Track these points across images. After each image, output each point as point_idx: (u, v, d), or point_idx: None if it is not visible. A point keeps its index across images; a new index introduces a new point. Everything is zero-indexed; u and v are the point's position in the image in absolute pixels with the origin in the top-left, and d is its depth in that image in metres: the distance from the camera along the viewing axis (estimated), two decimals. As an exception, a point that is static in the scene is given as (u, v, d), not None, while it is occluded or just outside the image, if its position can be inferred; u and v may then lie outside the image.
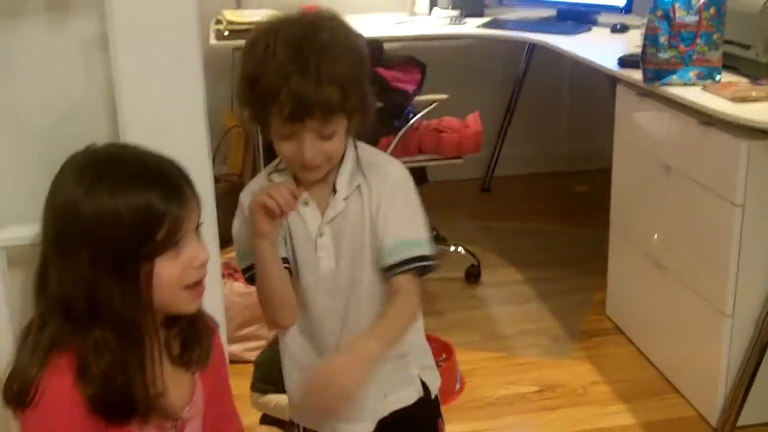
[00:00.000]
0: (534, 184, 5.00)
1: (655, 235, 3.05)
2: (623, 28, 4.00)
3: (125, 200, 1.36)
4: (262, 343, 3.08)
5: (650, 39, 2.85)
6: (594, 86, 4.34)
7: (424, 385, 1.81)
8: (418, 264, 1.65)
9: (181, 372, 1.56)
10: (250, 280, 1.72)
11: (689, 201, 2.82)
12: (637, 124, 3.14)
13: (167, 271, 1.41)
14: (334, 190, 1.66)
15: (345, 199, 1.66)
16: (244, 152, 4.43)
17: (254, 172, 4.38)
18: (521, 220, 4.52)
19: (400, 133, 3.52)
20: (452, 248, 3.89)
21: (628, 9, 4.12)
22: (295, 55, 1.51)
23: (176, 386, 1.54)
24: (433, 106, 3.57)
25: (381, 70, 3.50)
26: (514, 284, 3.84)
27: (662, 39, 2.82)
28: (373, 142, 3.55)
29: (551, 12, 4.41)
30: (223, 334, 1.86)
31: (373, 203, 1.66)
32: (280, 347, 1.81)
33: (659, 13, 2.81)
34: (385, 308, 1.65)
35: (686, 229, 2.87)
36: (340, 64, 1.54)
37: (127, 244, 1.36)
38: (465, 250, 3.90)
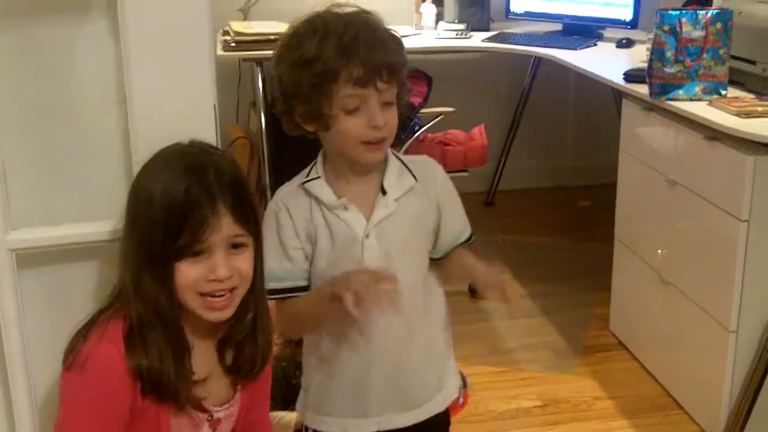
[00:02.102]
0: (538, 198, 4.99)
1: (659, 251, 3.04)
2: (629, 43, 4.01)
3: (164, 185, 1.41)
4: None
5: (657, 53, 2.85)
6: (599, 101, 4.35)
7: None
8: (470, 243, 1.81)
9: (226, 376, 1.61)
10: (276, 299, 1.69)
11: (694, 216, 2.82)
12: (643, 139, 3.14)
13: (184, 274, 1.44)
14: (383, 192, 1.69)
15: (396, 200, 1.70)
16: (249, 163, 4.43)
17: (259, 183, 4.39)
18: (525, 234, 4.52)
19: (406, 145, 3.53)
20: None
21: (633, 24, 4.12)
22: (349, 29, 1.58)
23: (218, 386, 1.60)
24: (439, 118, 3.59)
25: (387, 82, 3.51)
26: (517, 298, 3.83)
27: (669, 53, 2.83)
28: (379, 154, 3.59)
29: (557, 26, 4.42)
30: None
31: (432, 203, 1.75)
32: (307, 349, 1.80)
33: (666, 27, 2.81)
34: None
35: (691, 245, 2.86)
36: (391, 37, 1.63)
37: (155, 231, 1.41)
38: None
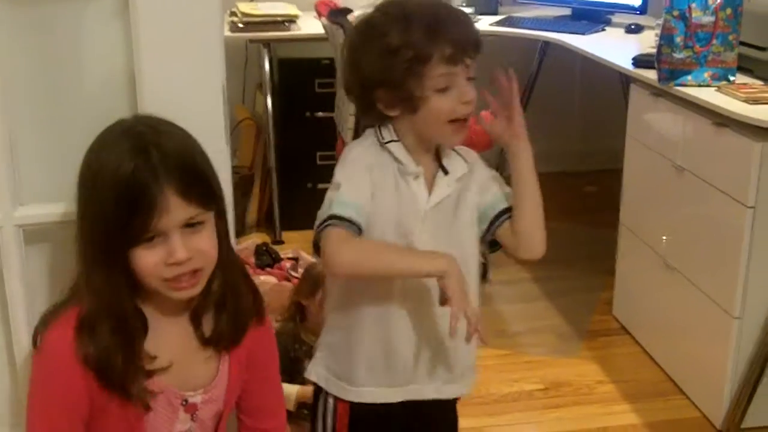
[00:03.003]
0: (544, 183, 4.94)
1: (664, 236, 3.04)
2: (638, 29, 3.99)
3: (115, 161, 1.36)
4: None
5: (666, 39, 2.84)
6: (606, 86, 4.33)
7: None
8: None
9: (208, 354, 1.56)
10: (339, 223, 1.62)
11: (700, 202, 2.82)
12: (650, 124, 3.13)
13: (143, 261, 1.39)
14: (444, 171, 1.72)
15: (457, 180, 1.73)
16: (254, 145, 4.44)
17: (264, 164, 4.39)
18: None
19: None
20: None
21: (642, 9, 4.10)
22: (429, 11, 1.62)
23: (195, 366, 1.55)
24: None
25: (394, 65, 3.50)
26: (521, 282, 3.84)
27: (678, 39, 2.82)
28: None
29: (566, 11, 4.41)
30: None
31: (477, 186, 1.76)
32: (348, 329, 1.77)
33: (676, 13, 2.81)
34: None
35: (696, 230, 2.86)
36: (465, 13, 1.70)
37: (108, 216, 1.36)
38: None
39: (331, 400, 1.82)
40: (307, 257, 3.56)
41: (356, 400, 1.79)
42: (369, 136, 1.73)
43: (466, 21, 1.67)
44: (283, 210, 4.31)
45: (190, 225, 1.41)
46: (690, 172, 2.86)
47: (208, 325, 1.54)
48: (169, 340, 1.50)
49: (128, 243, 1.38)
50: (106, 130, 1.43)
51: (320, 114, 4.24)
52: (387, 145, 1.69)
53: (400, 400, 1.78)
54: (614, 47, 3.65)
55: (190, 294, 1.47)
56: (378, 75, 1.63)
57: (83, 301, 1.42)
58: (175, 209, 1.38)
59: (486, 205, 1.77)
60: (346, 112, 3.54)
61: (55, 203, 1.51)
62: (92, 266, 1.41)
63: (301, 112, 4.28)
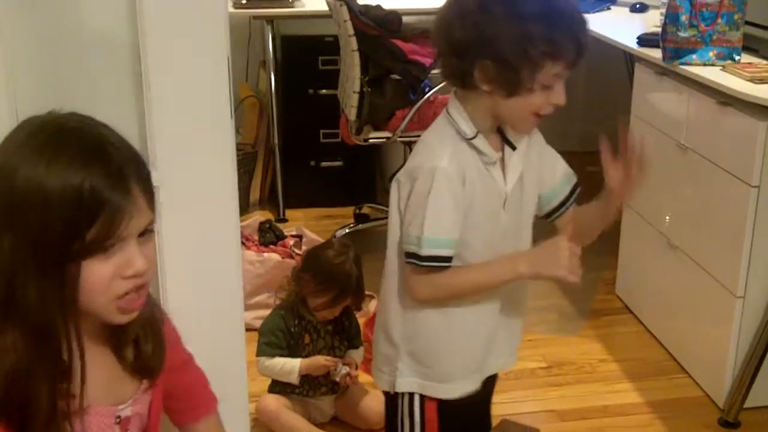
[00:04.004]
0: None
1: (668, 216, 3.04)
2: (642, 8, 3.98)
3: (60, 177, 1.15)
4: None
5: (671, 17, 2.83)
6: (610, 66, 4.31)
7: None
8: (575, 195, 1.85)
9: (127, 377, 1.40)
10: (430, 266, 1.67)
11: (705, 181, 2.81)
12: (655, 103, 3.13)
13: (95, 275, 1.20)
14: (512, 147, 1.73)
15: (524, 154, 1.75)
16: (258, 122, 4.43)
17: (268, 142, 4.39)
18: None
19: (416, 106, 3.51)
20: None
21: (648, -12, 4.09)
22: (574, 12, 1.63)
23: (116, 386, 1.39)
24: (449, 80, 3.56)
25: (399, 42, 3.50)
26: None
27: (683, 17, 2.81)
28: (389, 114, 3.59)
29: (570, -11, 4.38)
30: (240, 301, 1.85)
31: (539, 160, 1.79)
32: (448, 324, 1.78)
33: (681, -9, 2.80)
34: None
35: (700, 210, 2.86)
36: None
37: (53, 231, 1.16)
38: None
39: (417, 403, 1.82)
40: (311, 234, 3.57)
41: (450, 396, 1.80)
42: (445, 128, 1.69)
43: (586, 26, 1.65)
44: (287, 188, 4.32)
45: (143, 233, 1.25)
46: (694, 151, 2.85)
47: (130, 355, 1.38)
48: (93, 373, 1.29)
49: (81, 254, 1.18)
50: (32, 131, 1.22)
51: (323, 91, 4.23)
52: (472, 140, 1.67)
53: (480, 382, 1.83)
54: (619, 26, 3.64)
55: (133, 316, 1.29)
56: (500, 48, 1.57)
57: None
58: (139, 213, 1.22)
59: (550, 191, 1.81)
60: (350, 89, 3.53)
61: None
62: (26, 280, 1.18)
63: (305, 89, 4.28)
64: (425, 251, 1.65)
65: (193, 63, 1.49)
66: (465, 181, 1.65)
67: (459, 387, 1.80)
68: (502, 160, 1.72)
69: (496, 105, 1.65)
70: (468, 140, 1.67)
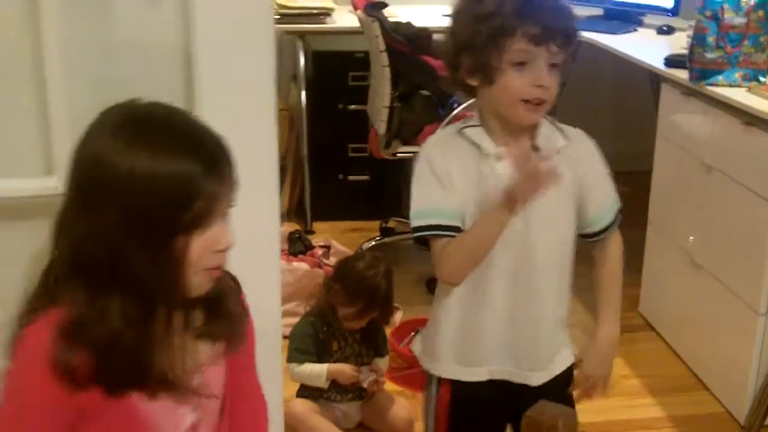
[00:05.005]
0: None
1: (692, 234, 3.08)
2: (669, 30, 4.02)
3: (165, 166, 1.26)
4: (300, 319, 3.16)
5: (698, 39, 2.88)
6: (637, 87, 4.35)
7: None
8: (618, 220, 1.89)
9: (202, 346, 1.45)
10: (419, 239, 1.79)
11: (729, 200, 2.85)
12: (681, 123, 3.17)
13: (192, 249, 1.30)
14: (536, 149, 1.76)
15: (546, 158, 1.75)
16: (287, 136, 4.50)
17: (297, 155, 4.45)
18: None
19: (445, 121, 3.56)
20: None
21: (675, 11, 4.13)
22: None
23: (192, 352, 1.44)
24: (478, 96, 3.61)
25: (429, 59, 3.55)
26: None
27: (710, 39, 2.86)
28: (418, 129, 3.64)
29: (598, 11, 4.44)
30: (278, 308, 1.85)
31: (579, 169, 1.80)
32: (439, 308, 1.87)
33: (708, 13, 2.85)
34: (601, 272, 1.91)
35: (724, 228, 2.90)
36: (568, 6, 1.74)
37: (159, 212, 1.27)
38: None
39: (435, 381, 1.92)
40: (339, 246, 3.62)
41: (443, 375, 1.89)
42: (450, 125, 1.80)
43: (562, 9, 1.72)
44: (314, 200, 4.37)
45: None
46: (719, 170, 2.89)
47: (198, 320, 1.44)
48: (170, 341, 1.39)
49: (182, 231, 1.29)
50: (128, 117, 1.31)
51: (352, 107, 4.30)
52: (464, 130, 1.76)
53: (486, 378, 1.88)
54: (646, 47, 3.69)
55: (210, 287, 1.38)
56: (466, 39, 1.69)
57: (75, 297, 1.30)
58: (227, 193, 1.33)
59: (595, 215, 1.85)
60: (380, 104, 3.60)
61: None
62: (125, 252, 1.27)
63: (334, 104, 4.34)
64: (415, 223, 1.77)
65: (241, 68, 1.55)
66: (447, 158, 1.75)
67: (453, 370, 1.87)
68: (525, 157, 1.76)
69: (489, 99, 1.74)
70: (460, 129, 1.77)
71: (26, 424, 1.34)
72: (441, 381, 1.90)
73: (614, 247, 1.93)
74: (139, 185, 1.26)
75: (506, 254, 1.77)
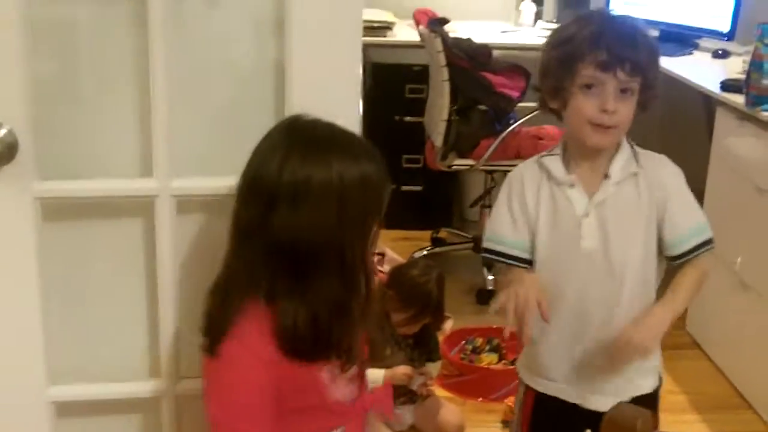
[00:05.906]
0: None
1: (738, 259, 3.13)
2: (725, 54, 4.05)
3: (364, 169, 1.51)
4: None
5: (755, 65, 2.94)
6: (688, 109, 4.37)
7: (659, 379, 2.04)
8: (706, 248, 1.90)
9: None
10: (488, 258, 1.94)
11: (781, 223, 2.90)
12: (734, 147, 3.22)
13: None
14: (606, 177, 1.84)
15: (617, 183, 1.83)
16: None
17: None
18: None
19: (501, 136, 3.64)
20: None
21: (731, 36, 4.12)
22: (608, 21, 1.82)
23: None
24: (534, 113, 3.65)
25: (488, 75, 3.63)
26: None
27: (767, 66, 2.91)
28: (475, 143, 3.72)
29: (654, 32, 4.46)
30: None
31: (654, 193, 1.85)
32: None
33: (766, 40, 2.90)
34: (676, 278, 1.88)
35: (775, 251, 2.95)
36: (645, 40, 1.82)
37: (369, 205, 1.53)
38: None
39: (522, 387, 2.02)
40: (392, 254, 3.70)
41: (531, 384, 1.99)
42: (536, 155, 1.91)
43: (635, 39, 1.78)
44: (368, 209, 4.43)
45: None
46: (772, 194, 2.95)
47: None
48: None
49: (376, 223, 1.57)
50: (317, 134, 1.55)
51: (408, 118, 4.39)
52: (542, 158, 1.87)
53: (568, 395, 1.95)
54: (701, 71, 3.73)
55: None
56: (546, 62, 1.82)
57: (280, 284, 1.50)
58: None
59: (674, 238, 1.87)
60: (438, 116, 3.68)
61: (208, 177, 1.68)
62: (353, 250, 1.52)
63: (390, 115, 4.43)
64: (485, 244, 1.92)
65: (331, 78, 1.65)
66: (525, 186, 1.87)
67: (539, 382, 1.96)
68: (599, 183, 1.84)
69: (567, 122, 1.84)
70: (539, 159, 1.88)
71: (247, 392, 1.53)
72: (527, 386, 2.00)
73: (697, 268, 1.92)
74: (351, 185, 1.49)
75: (582, 275, 1.84)
